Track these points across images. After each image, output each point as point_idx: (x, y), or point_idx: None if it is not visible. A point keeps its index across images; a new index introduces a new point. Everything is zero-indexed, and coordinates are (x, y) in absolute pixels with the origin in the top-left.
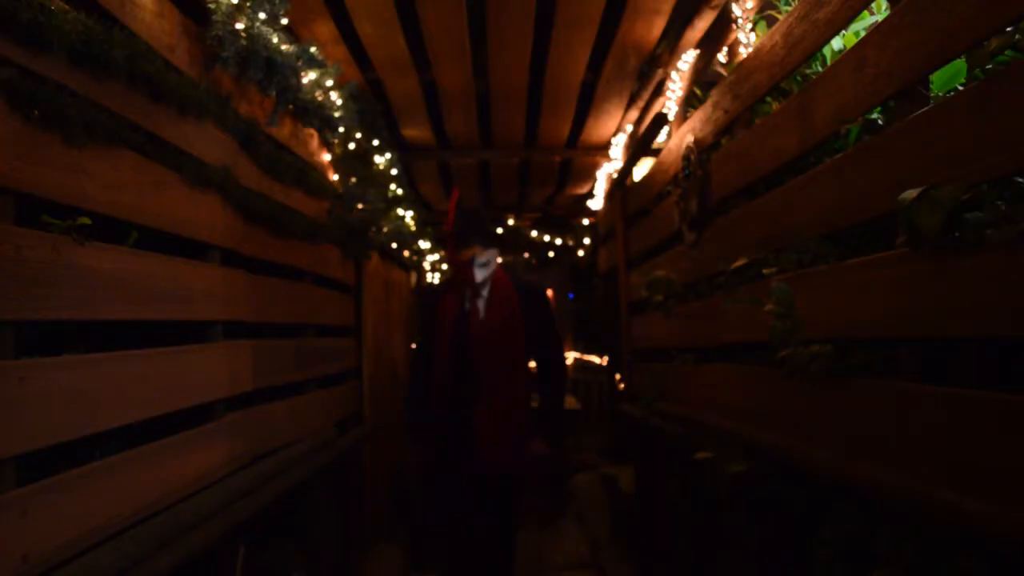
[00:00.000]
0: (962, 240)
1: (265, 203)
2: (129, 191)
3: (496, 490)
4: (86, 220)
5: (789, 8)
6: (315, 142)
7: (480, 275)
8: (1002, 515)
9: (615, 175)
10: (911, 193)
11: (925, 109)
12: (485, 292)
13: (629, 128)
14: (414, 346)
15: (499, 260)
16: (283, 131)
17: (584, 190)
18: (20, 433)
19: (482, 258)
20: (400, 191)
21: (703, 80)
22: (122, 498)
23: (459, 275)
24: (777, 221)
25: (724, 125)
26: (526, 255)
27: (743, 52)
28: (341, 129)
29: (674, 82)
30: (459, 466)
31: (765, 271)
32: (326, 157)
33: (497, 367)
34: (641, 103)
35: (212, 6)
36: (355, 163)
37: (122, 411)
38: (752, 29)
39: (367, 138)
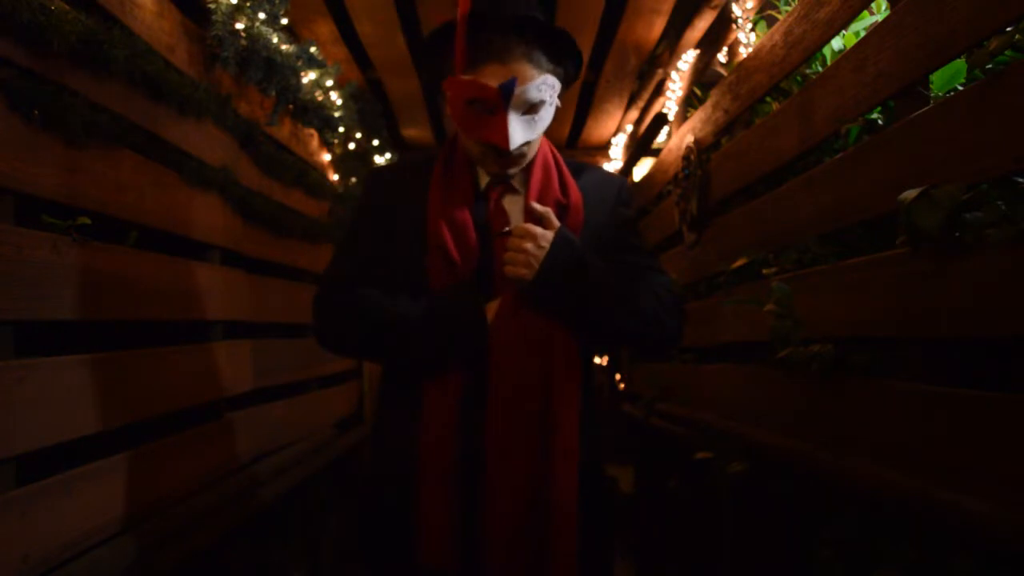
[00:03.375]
0: (962, 240)
1: (265, 203)
2: (129, 191)
3: None
4: (86, 220)
5: (789, 8)
6: (315, 142)
7: (521, 135)
8: (1002, 515)
9: None
10: (911, 193)
11: (925, 109)
12: (522, 184)
13: (629, 128)
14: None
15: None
16: (283, 131)
17: None
18: (20, 433)
19: (534, 88)
20: None
21: (703, 80)
22: (122, 498)
23: (473, 131)
24: (777, 221)
25: (724, 125)
26: None
27: (743, 52)
28: (341, 129)
29: (674, 82)
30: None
31: (765, 271)
32: (326, 157)
33: (535, 364)
34: (641, 103)
35: (212, 6)
36: (355, 163)
37: (122, 411)
38: (752, 29)
39: (367, 138)
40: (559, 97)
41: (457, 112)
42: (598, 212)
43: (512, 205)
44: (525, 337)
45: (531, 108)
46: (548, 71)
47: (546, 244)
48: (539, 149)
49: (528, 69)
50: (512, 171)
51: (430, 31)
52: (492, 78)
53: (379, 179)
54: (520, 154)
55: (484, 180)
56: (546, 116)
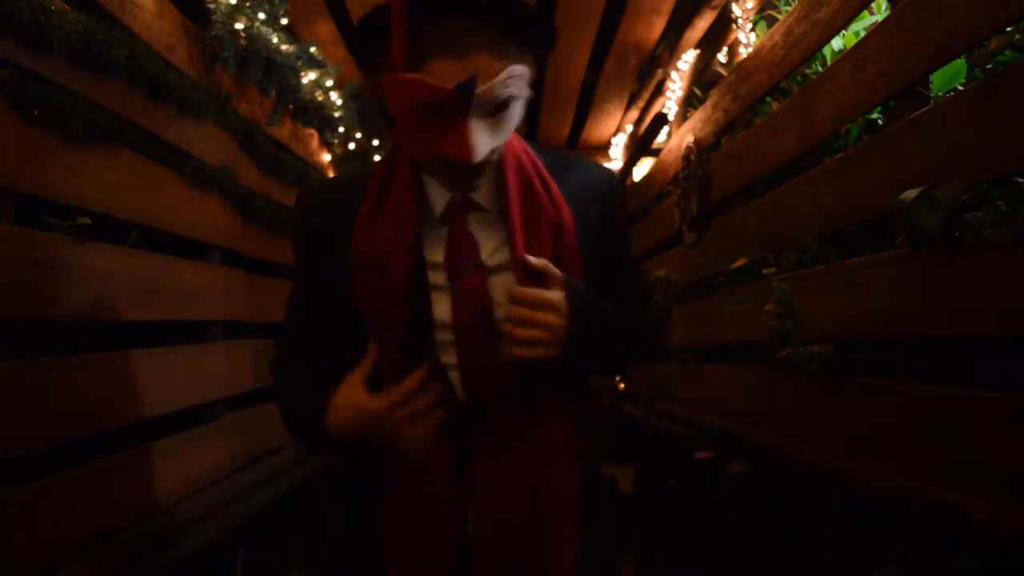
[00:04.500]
0: (962, 240)
1: (265, 203)
2: (129, 191)
3: None
4: (86, 220)
5: (789, 8)
6: (315, 142)
7: (487, 143)
8: (1002, 515)
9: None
10: (911, 193)
11: (925, 109)
12: (491, 200)
13: (629, 128)
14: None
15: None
16: (283, 131)
17: None
18: (20, 432)
19: (500, 85)
20: None
21: (703, 80)
22: (122, 498)
23: (425, 142)
24: (777, 221)
25: (724, 125)
26: None
27: (743, 52)
28: (341, 129)
29: (674, 82)
30: None
31: (765, 271)
32: (326, 157)
33: (520, 397)
34: (641, 103)
35: (212, 6)
36: (355, 163)
37: (122, 411)
38: (752, 29)
39: (367, 138)
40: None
41: (403, 119)
42: (588, 222)
43: (480, 228)
44: (510, 414)
45: (497, 108)
46: (515, 60)
47: (564, 308)
48: (508, 148)
49: (491, 61)
50: (476, 183)
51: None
52: (446, 76)
53: (303, 208)
54: (486, 163)
55: (440, 200)
56: (515, 114)
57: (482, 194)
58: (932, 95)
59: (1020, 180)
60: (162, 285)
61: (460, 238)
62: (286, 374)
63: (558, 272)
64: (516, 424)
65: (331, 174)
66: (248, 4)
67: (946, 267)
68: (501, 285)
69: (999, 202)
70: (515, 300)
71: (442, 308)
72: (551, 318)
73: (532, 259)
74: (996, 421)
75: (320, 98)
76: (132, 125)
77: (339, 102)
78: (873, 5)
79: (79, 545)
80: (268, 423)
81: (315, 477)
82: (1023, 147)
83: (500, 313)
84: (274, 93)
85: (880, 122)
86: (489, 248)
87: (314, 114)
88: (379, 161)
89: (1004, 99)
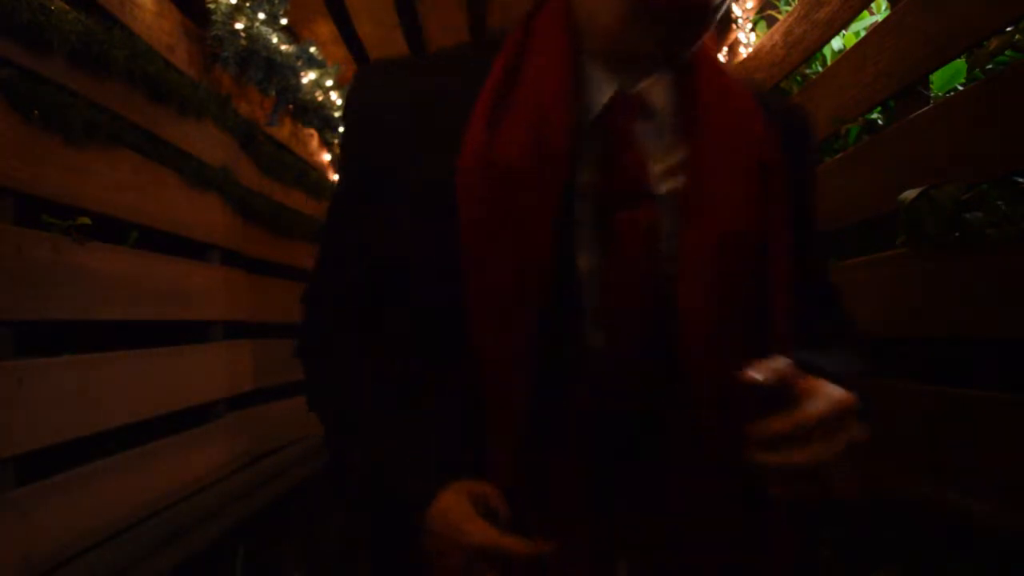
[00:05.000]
0: (962, 240)
1: (265, 203)
2: (129, 191)
3: None
4: (86, 220)
5: (789, 8)
6: (315, 142)
7: None
8: (1003, 516)
9: None
10: (911, 193)
11: (925, 109)
12: (673, 103)
13: None
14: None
15: None
16: (283, 131)
17: None
18: (20, 433)
19: None
20: None
21: None
22: (122, 498)
23: None
24: None
25: None
26: None
27: (743, 52)
28: (341, 129)
29: None
30: None
31: None
32: (326, 157)
33: (716, 378)
34: None
35: (212, 6)
36: None
37: (122, 411)
38: (752, 29)
39: None
40: None
41: None
42: (794, 176)
43: (647, 142)
44: (686, 431)
45: None
46: None
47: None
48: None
49: None
50: (680, 58)
51: None
52: None
53: (369, 89)
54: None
55: (602, 89)
56: None
57: (656, 92)
58: (932, 95)
59: (1020, 180)
60: (163, 285)
61: (626, 152)
62: (338, 376)
63: (790, 368)
64: (704, 444)
65: (331, 174)
66: (248, 4)
67: (946, 267)
68: (672, 227)
69: (999, 202)
70: (799, 426)
71: (587, 256)
72: (855, 430)
73: (763, 372)
74: (996, 421)
75: (320, 98)
76: (132, 125)
77: (339, 102)
78: (873, 5)
79: (80, 545)
80: (268, 423)
81: (315, 477)
82: (1023, 147)
83: (666, 269)
84: (274, 93)
85: (880, 122)
86: (657, 171)
87: (314, 114)
88: (506, 30)
89: (1004, 99)
